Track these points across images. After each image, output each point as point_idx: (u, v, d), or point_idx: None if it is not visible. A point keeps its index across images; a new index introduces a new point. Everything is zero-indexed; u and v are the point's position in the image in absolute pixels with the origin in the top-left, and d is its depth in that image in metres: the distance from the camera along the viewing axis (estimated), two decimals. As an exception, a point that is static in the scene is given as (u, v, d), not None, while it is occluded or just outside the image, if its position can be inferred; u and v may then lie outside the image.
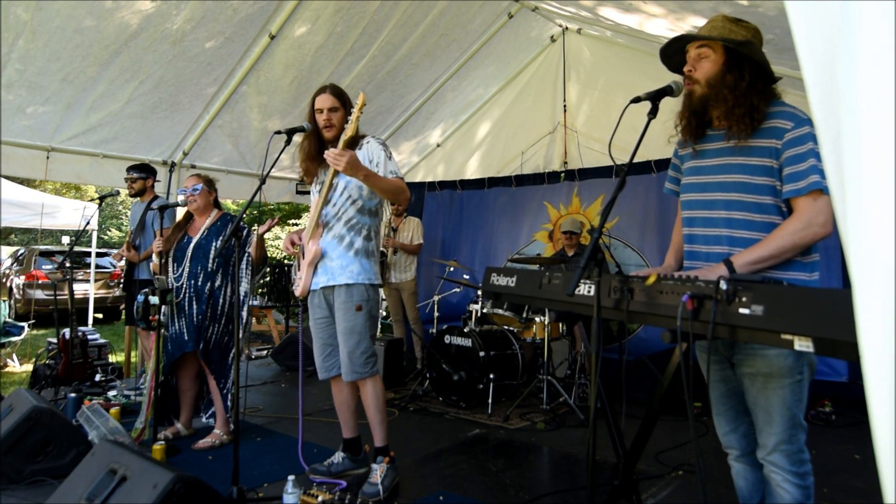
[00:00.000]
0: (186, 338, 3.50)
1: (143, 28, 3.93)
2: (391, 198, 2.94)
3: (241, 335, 3.45)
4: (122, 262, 4.81)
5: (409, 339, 5.96)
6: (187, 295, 3.54)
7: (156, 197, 4.73)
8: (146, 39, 4.02)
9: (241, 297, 3.49)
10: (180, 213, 4.59)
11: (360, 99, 2.70)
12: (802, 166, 1.65)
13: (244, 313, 3.63)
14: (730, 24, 1.79)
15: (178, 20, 3.98)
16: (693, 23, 3.82)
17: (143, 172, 4.67)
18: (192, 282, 3.55)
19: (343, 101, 2.92)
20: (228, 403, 3.55)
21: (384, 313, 7.07)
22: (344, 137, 2.75)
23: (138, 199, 4.79)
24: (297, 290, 3.04)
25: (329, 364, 3.03)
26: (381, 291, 6.18)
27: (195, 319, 3.51)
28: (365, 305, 2.89)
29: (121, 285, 5.00)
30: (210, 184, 3.76)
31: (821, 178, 1.62)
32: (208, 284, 3.57)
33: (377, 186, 2.78)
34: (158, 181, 5.01)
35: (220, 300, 3.61)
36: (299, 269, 3.05)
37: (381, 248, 5.70)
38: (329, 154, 2.59)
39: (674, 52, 1.91)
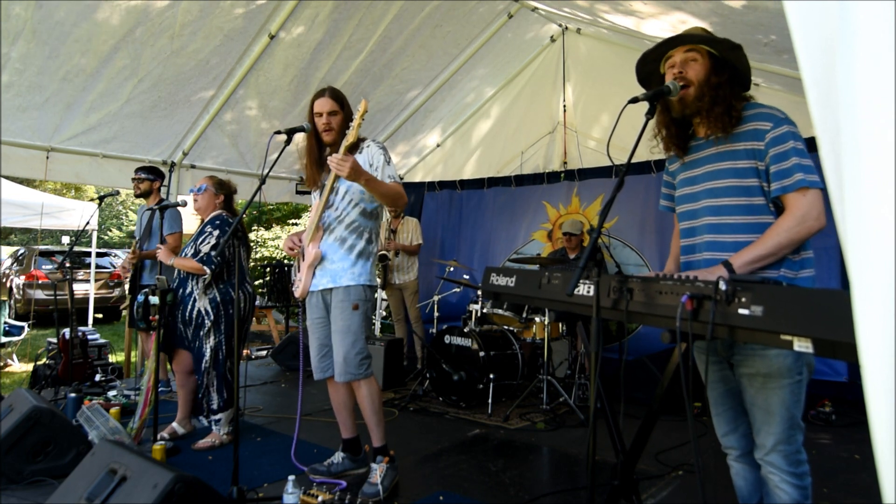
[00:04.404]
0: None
1: (141, 22, 3.93)
2: (389, 203, 2.96)
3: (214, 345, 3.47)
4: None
5: (409, 339, 5.96)
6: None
7: (161, 200, 4.73)
8: (144, 34, 4.02)
9: (204, 310, 3.51)
10: (181, 212, 4.59)
11: (361, 106, 2.67)
12: (786, 164, 1.68)
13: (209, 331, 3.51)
14: (709, 35, 1.85)
15: (177, 18, 3.98)
16: (692, 24, 3.81)
17: (151, 174, 4.67)
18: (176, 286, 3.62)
19: (342, 105, 2.92)
20: (207, 404, 3.56)
21: (384, 313, 7.07)
22: (345, 143, 2.73)
23: (144, 202, 4.78)
24: (297, 292, 3.04)
25: (325, 364, 3.03)
26: (383, 292, 6.21)
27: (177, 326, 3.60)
28: (362, 305, 2.89)
29: (126, 287, 4.99)
30: (220, 186, 3.70)
31: (804, 175, 1.65)
32: (180, 291, 3.57)
33: (377, 191, 2.80)
34: (165, 186, 5.01)
35: (189, 307, 3.54)
36: (299, 271, 3.05)
37: (384, 251, 5.69)
38: (332, 160, 2.62)
39: (652, 60, 1.94)
